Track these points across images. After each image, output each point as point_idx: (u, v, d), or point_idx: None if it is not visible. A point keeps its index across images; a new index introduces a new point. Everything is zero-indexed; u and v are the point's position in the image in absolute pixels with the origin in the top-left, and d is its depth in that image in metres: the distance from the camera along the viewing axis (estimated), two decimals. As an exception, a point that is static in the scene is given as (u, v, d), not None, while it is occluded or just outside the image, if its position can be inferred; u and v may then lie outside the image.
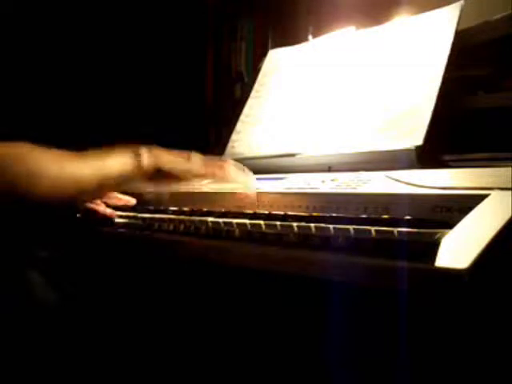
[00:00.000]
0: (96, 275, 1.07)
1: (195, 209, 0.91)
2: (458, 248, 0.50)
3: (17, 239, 0.94)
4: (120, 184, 0.82)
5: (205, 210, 0.89)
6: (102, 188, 0.80)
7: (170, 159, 0.83)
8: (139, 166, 0.80)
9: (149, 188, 0.90)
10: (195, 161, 0.85)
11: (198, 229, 0.82)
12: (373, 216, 0.68)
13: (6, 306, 0.84)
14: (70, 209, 0.93)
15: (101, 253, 1.04)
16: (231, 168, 0.86)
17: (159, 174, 0.82)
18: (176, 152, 0.85)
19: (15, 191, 0.70)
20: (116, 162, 0.79)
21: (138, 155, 0.80)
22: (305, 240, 0.65)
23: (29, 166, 0.71)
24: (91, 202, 0.95)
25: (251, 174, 0.89)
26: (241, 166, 0.88)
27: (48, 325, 0.91)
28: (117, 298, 1.06)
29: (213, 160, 0.88)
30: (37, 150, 0.73)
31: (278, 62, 1.27)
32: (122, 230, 0.95)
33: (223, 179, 0.85)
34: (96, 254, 1.05)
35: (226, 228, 0.76)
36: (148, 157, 0.81)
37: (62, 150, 0.76)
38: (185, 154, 0.85)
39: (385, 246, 0.56)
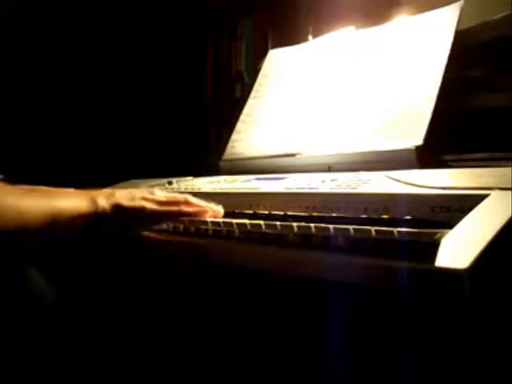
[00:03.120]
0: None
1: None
2: (458, 248, 0.49)
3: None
4: (74, 223, 0.76)
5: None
6: (51, 226, 0.73)
7: (127, 197, 0.82)
8: (95, 206, 0.77)
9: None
10: (155, 197, 0.83)
11: (199, 229, 0.81)
12: (373, 216, 0.68)
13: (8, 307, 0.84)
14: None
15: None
16: (193, 198, 0.85)
17: (119, 217, 0.80)
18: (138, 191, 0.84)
19: None
20: (69, 201, 0.76)
21: (93, 197, 0.78)
22: (305, 240, 0.65)
23: None
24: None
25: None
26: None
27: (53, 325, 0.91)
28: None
29: (174, 195, 0.86)
30: None
31: (278, 62, 1.27)
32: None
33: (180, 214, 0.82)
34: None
35: (225, 228, 0.76)
36: (105, 197, 0.79)
37: (8, 184, 0.73)
38: (145, 190, 0.85)
39: (385, 246, 0.56)
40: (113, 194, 0.82)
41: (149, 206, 0.82)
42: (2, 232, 0.68)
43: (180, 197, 0.86)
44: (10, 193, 0.71)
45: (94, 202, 0.78)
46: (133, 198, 0.83)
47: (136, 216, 0.82)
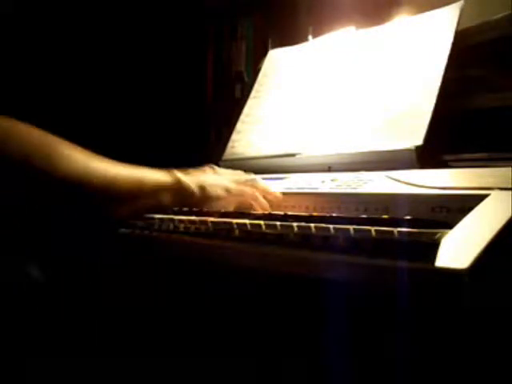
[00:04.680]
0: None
1: (195, 209, 0.91)
2: (458, 248, 0.49)
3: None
4: (157, 196, 0.80)
5: (205, 210, 0.89)
6: (135, 194, 0.76)
7: (212, 178, 0.85)
8: (179, 183, 0.80)
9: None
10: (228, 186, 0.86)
11: (199, 229, 0.81)
12: (373, 216, 0.68)
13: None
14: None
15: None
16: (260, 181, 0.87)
17: (200, 199, 0.83)
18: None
19: (30, 164, 0.68)
20: (153, 174, 0.79)
21: (177, 174, 0.81)
22: (305, 240, 0.65)
23: (51, 148, 0.70)
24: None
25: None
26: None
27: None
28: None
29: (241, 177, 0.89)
30: (63, 142, 0.73)
31: (278, 62, 1.27)
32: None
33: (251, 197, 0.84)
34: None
35: (226, 228, 0.76)
36: (190, 176, 0.82)
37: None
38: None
39: (385, 246, 0.56)
40: (197, 175, 0.84)
41: (236, 191, 0.85)
42: (91, 193, 0.70)
43: (248, 178, 0.88)
44: (96, 158, 0.75)
45: (177, 178, 0.80)
46: (216, 181, 0.85)
47: (212, 201, 0.84)
